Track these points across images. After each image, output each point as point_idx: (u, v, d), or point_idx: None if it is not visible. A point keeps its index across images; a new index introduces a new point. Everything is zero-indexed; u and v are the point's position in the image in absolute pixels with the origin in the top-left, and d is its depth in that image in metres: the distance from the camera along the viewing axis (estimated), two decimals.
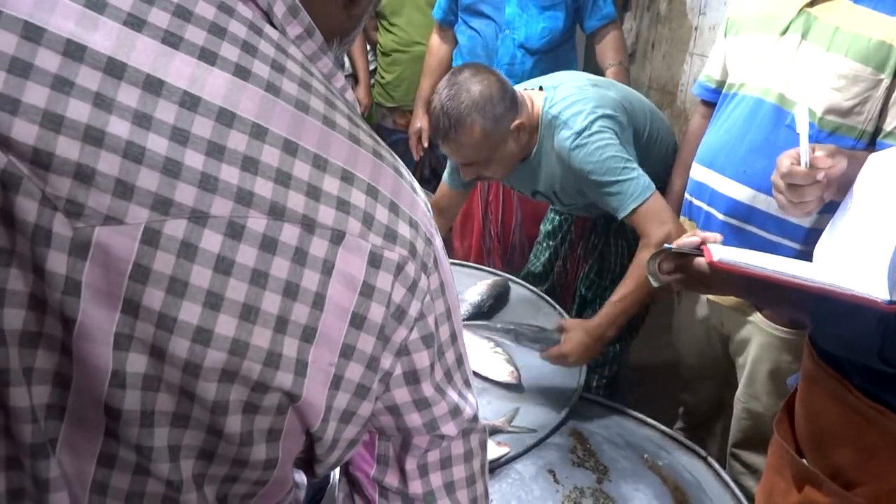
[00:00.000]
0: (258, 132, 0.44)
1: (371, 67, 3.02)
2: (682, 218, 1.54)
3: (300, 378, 0.46)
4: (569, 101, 1.50)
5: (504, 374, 1.46)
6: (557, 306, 1.79)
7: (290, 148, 0.45)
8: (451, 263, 1.99)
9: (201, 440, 0.47)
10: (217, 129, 0.43)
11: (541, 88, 1.58)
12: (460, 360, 0.58)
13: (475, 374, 1.47)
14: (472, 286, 1.78)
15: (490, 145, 1.47)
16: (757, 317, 1.46)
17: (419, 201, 0.52)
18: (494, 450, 1.29)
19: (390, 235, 0.48)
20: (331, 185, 0.46)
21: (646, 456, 1.30)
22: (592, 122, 1.46)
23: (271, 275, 0.44)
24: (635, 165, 1.47)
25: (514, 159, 1.55)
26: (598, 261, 1.91)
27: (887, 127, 1.21)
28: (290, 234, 0.44)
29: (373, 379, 0.50)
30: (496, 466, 1.23)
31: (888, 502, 0.85)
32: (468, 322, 1.61)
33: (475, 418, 0.60)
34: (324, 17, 0.51)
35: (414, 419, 0.55)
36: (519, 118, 1.48)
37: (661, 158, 1.70)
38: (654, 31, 3.04)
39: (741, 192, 1.35)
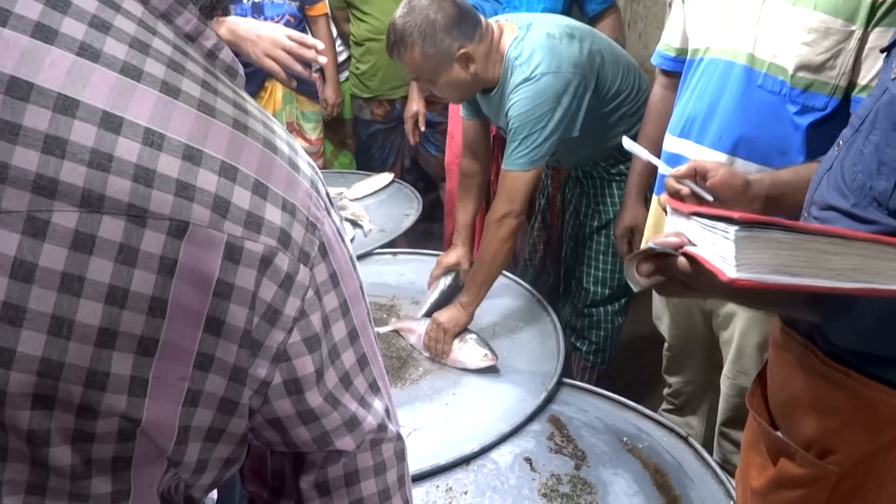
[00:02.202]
0: (65, 105, 0.36)
1: (343, 58, 2.96)
2: (655, 196, 1.51)
3: (138, 399, 0.39)
4: (532, 46, 1.54)
5: (477, 358, 1.42)
6: (543, 301, 1.74)
7: (110, 123, 0.36)
8: (417, 253, 1.98)
9: (27, 474, 0.40)
10: (8, 104, 0.35)
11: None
12: (364, 361, 0.50)
13: (453, 363, 1.44)
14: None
15: (430, 67, 1.53)
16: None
17: (300, 179, 0.44)
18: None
19: (253, 223, 0.40)
20: (168, 165, 0.38)
21: (625, 439, 1.27)
22: (541, 75, 1.51)
23: (88, 279, 0.36)
24: (549, 137, 1.52)
25: (466, 86, 1.60)
26: (577, 205, 1.93)
27: (861, 81, 1.17)
28: (111, 228, 0.36)
29: (241, 391, 0.43)
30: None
31: (863, 469, 0.82)
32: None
33: (382, 427, 0.52)
34: None
35: (301, 434, 0.48)
36: (468, 47, 1.51)
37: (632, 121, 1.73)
38: (629, 10, 3.00)
39: (719, 159, 1.31)
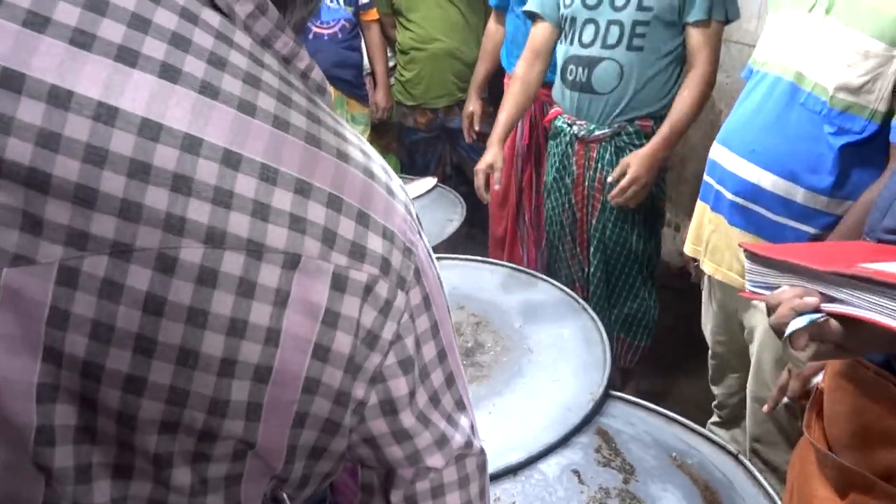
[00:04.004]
0: (191, 144, 0.37)
1: (391, 65, 3.00)
2: (700, 202, 1.53)
3: (253, 423, 0.41)
4: None
5: None
6: (588, 308, 1.74)
7: (230, 160, 0.38)
8: (461, 259, 1.99)
9: (149, 491, 0.42)
10: (140, 145, 0.36)
11: None
12: (451, 380, 0.52)
13: None
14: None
15: None
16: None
17: (397, 205, 0.45)
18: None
19: (357, 252, 0.42)
20: (282, 200, 0.39)
21: (674, 454, 1.26)
22: None
23: (212, 312, 0.38)
24: None
25: None
26: (604, 192, 1.95)
27: None
28: (232, 263, 0.38)
29: (343, 413, 0.45)
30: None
31: None
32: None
33: (468, 444, 0.54)
34: None
35: (394, 452, 0.50)
36: None
37: None
38: None
39: (749, 171, 1.35)
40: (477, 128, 2.56)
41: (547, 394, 1.40)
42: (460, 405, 0.53)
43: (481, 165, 2.00)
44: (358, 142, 0.46)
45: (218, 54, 0.39)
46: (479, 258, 1.99)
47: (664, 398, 2.27)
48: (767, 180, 1.30)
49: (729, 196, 1.39)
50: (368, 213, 0.43)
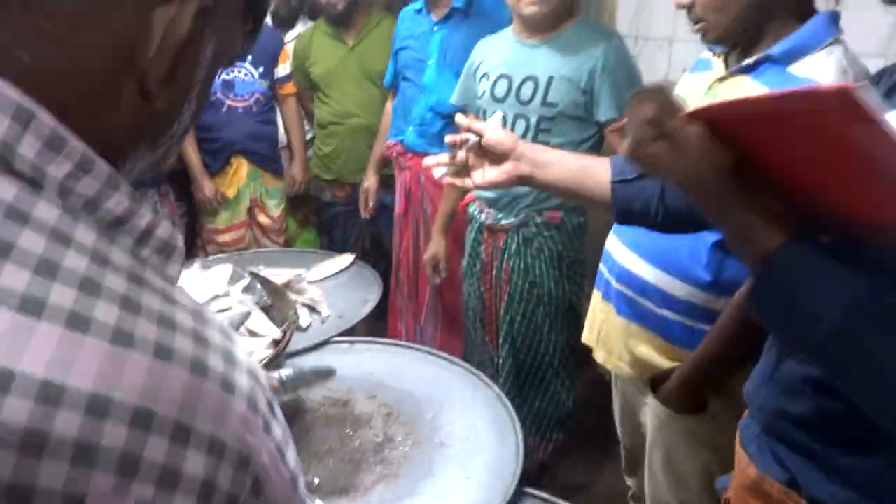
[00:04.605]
0: None
1: (308, 137, 2.97)
2: (595, 291, 1.55)
3: None
4: None
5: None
6: (503, 396, 1.69)
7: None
8: (376, 342, 1.93)
9: None
10: None
11: None
12: None
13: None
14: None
15: None
16: (650, 398, 1.40)
17: (234, 404, 0.38)
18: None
19: (168, 480, 0.34)
20: (65, 426, 0.31)
21: None
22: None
23: None
24: None
25: None
26: (518, 270, 1.94)
27: None
28: None
29: None
30: None
31: None
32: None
33: None
34: (115, 123, 0.39)
35: None
36: None
37: None
38: None
39: (634, 263, 1.36)
40: (371, 203, 2.60)
41: (459, 493, 1.33)
42: None
43: (427, 257, 2.11)
44: (193, 323, 0.38)
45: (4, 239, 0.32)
46: (394, 341, 1.94)
47: (587, 489, 2.22)
48: (650, 273, 1.31)
49: (616, 286, 1.40)
50: (190, 426, 0.35)
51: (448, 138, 1.13)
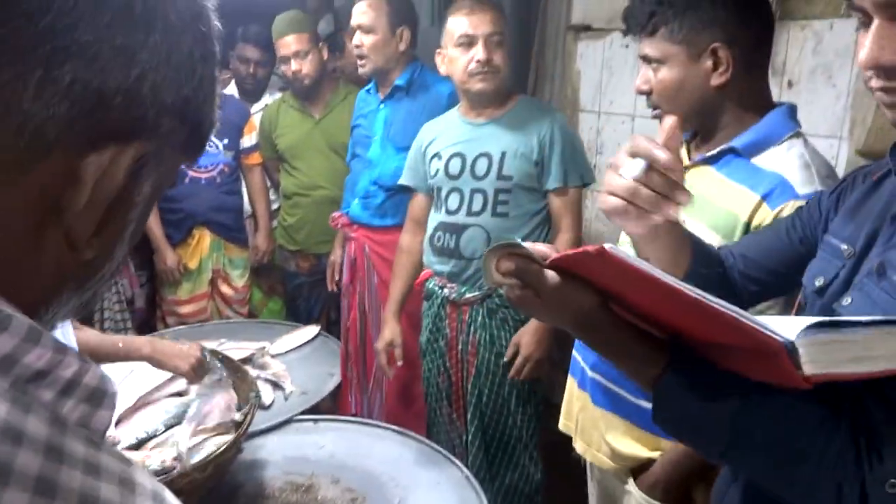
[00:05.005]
0: None
1: (274, 207, 2.96)
2: (570, 377, 1.52)
3: None
4: None
5: None
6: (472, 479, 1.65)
7: None
8: (339, 421, 1.88)
9: None
10: None
11: None
12: None
13: None
14: None
15: None
16: (634, 488, 1.37)
17: None
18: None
19: None
20: None
21: None
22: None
23: None
24: None
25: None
26: (484, 344, 1.92)
27: None
28: None
29: None
30: None
31: None
32: None
33: None
34: (37, 273, 0.36)
35: None
36: None
37: None
38: None
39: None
40: (338, 276, 2.58)
41: None
42: None
43: (380, 344, 2.03)
44: (117, 488, 0.34)
45: None
46: (359, 419, 1.89)
47: None
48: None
49: (591, 374, 1.38)
50: None
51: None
